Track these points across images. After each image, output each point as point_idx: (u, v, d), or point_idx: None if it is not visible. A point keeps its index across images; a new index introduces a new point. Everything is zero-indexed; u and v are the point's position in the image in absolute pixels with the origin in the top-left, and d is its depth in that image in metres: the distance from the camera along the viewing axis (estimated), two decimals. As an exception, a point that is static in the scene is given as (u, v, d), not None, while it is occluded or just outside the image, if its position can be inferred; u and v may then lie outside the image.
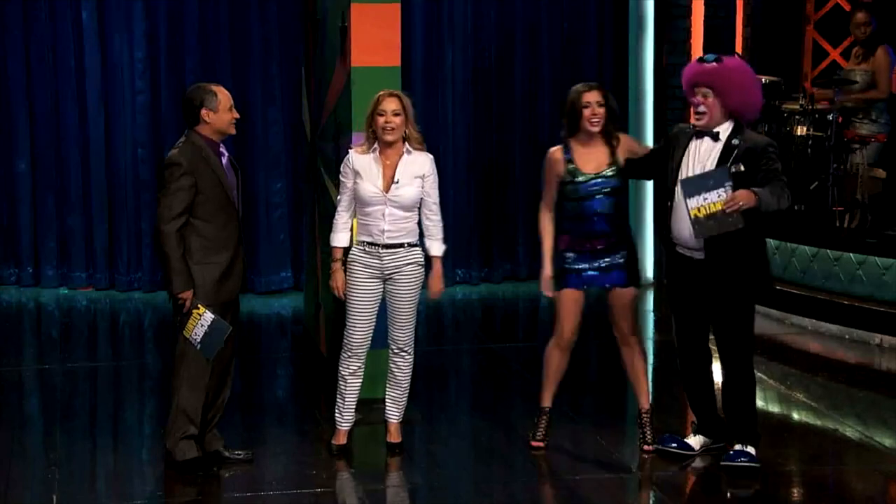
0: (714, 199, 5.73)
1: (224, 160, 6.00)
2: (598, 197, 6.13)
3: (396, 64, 6.91)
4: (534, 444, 6.40)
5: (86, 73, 10.48)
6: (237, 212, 6.03)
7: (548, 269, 6.22)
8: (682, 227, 5.94)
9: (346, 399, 6.28)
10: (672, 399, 7.62)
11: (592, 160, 6.15)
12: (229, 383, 6.20)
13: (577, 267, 6.20)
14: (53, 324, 9.85)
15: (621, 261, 6.20)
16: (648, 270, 11.13)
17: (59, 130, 10.56)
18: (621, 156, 6.19)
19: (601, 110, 6.10)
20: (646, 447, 6.32)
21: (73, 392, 7.82)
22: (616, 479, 6.08)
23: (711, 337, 6.20)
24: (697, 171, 5.88)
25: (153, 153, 10.52)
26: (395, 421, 6.37)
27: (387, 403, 6.36)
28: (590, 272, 6.21)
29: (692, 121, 6.01)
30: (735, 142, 5.89)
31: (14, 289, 10.60)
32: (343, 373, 6.26)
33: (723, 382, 6.18)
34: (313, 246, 8.54)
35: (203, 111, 5.91)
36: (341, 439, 6.33)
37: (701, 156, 5.93)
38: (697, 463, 6.26)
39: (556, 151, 6.22)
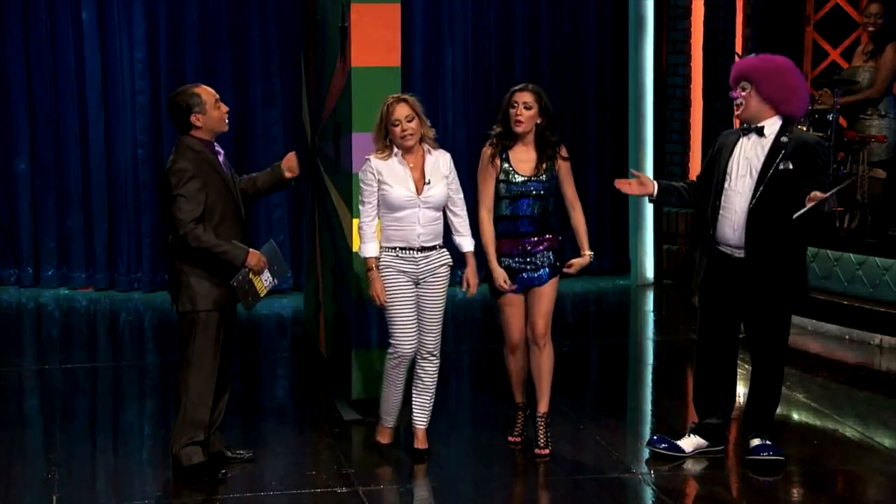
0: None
1: (221, 158, 5.96)
2: (527, 199, 6.20)
3: (396, 64, 6.91)
4: (511, 439, 6.46)
5: (86, 73, 10.49)
6: (241, 211, 6.00)
7: (496, 266, 6.23)
8: (726, 226, 6.05)
9: (392, 399, 6.25)
10: (671, 400, 7.64)
11: (526, 161, 6.22)
12: (229, 386, 6.20)
13: (509, 270, 6.22)
14: (53, 324, 9.85)
15: (548, 260, 6.25)
16: (648, 270, 11.15)
17: (59, 130, 10.57)
18: (557, 166, 6.23)
19: (527, 112, 6.15)
20: (538, 451, 6.34)
21: (73, 392, 7.82)
22: (616, 479, 6.08)
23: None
24: (744, 167, 6.02)
25: (153, 153, 10.53)
26: (422, 427, 6.31)
27: (414, 409, 6.30)
28: (521, 275, 6.24)
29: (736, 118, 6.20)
30: (784, 139, 6.00)
31: (14, 289, 10.61)
32: (395, 377, 6.19)
33: (752, 376, 6.26)
34: (313, 246, 8.54)
35: (193, 116, 5.84)
36: (387, 438, 6.34)
37: (748, 152, 6.06)
38: (698, 463, 6.26)
39: (490, 149, 6.26)
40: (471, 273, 6.20)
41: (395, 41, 6.92)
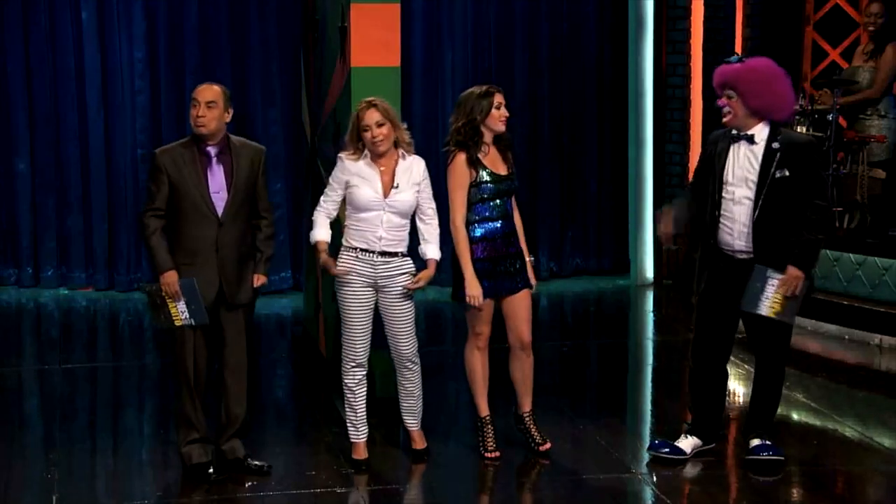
0: (772, 293, 5.94)
1: (212, 161, 5.90)
2: (501, 199, 6.18)
3: (396, 64, 6.91)
4: (490, 455, 6.32)
5: (86, 73, 10.49)
6: (216, 216, 5.87)
7: (475, 280, 6.11)
8: (726, 234, 6.04)
9: (358, 411, 6.18)
10: (671, 400, 7.63)
11: (497, 160, 6.23)
12: (242, 391, 6.12)
13: (490, 273, 6.16)
14: (53, 324, 9.85)
15: (519, 265, 6.24)
16: (648, 270, 11.15)
17: (59, 130, 10.57)
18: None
19: (506, 112, 6.20)
20: (541, 448, 6.34)
21: (72, 392, 7.82)
22: (616, 479, 6.08)
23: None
24: (739, 177, 5.98)
25: (153, 153, 10.54)
26: (415, 428, 6.33)
27: (404, 414, 6.31)
28: (501, 279, 6.18)
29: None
30: (775, 146, 5.95)
31: (14, 289, 10.61)
32: (349, 384, 6.15)
33: (755, 377, 6.28)
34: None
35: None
36: (362, 453, 6.23)
37: (741, 161, 6.01)
38: (697, 463, 6.26)
39: (464, 154, 6.14)
40: (425, 275, 6.07)
41: (395, 41, 6.92)
